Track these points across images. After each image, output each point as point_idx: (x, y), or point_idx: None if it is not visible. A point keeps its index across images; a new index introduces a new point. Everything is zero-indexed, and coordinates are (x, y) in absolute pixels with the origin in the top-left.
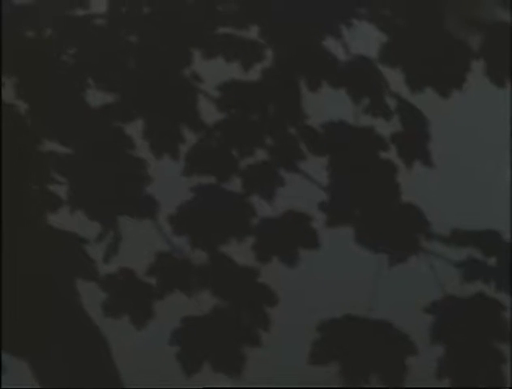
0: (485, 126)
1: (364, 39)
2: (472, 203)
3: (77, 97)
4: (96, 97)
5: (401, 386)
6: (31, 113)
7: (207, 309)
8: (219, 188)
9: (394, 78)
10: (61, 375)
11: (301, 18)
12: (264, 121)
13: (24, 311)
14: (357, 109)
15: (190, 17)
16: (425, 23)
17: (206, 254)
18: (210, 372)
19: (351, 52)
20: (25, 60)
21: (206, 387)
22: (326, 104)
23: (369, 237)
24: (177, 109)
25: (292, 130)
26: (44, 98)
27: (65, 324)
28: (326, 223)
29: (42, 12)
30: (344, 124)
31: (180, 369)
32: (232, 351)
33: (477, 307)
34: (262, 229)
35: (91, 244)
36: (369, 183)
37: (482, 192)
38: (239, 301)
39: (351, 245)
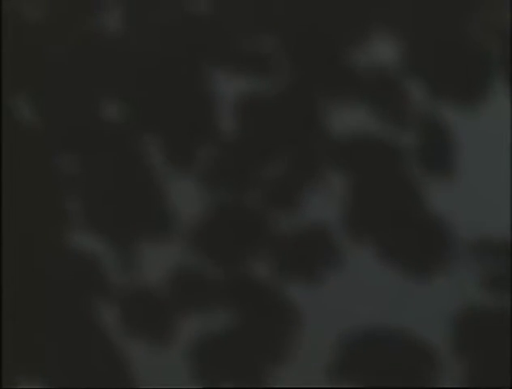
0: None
1: (384, 48)
2: (498, 213)
3: (93, 113)
4: (113, 113)
5: None
6: (46, 130)
7: (226, 326)
8: (238, 203)
9: (416, 87)
10: None
11: (320, 29)
12: (283, 135)
13: (38, 328)
14: (379, 120)
15: (208, 31)
16: (446, 32)
17: (225, 270)
18: None
19: (371, 62)
20: (40, 75)
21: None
22: (347, 116)
23: (393, 252)
24: (195, 124)
25: (313, 143)
26: (59, 114)
27: (80, 341)
28: (348, 238)
29: (58, 27)
30: (365, 136)
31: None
32: (252, 369)
33: (503, 320)
34: (282, 245)
35: (108, 261)
36: (391, 196)
37: (507, 202)
38: (259, 319)
39: (373, 260)
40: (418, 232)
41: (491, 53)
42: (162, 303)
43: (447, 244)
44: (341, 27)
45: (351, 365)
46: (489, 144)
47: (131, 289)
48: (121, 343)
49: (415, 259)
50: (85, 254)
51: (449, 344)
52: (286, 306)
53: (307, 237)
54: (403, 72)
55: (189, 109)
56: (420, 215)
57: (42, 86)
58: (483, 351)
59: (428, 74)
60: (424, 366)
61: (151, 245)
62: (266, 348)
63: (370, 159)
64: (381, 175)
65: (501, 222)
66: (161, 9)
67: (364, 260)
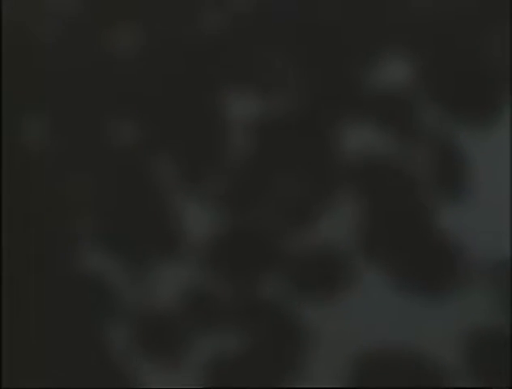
0: None
1: (398, 69)
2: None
3: (105, 134)
4: (125, 134)
5: None
6: (55, 151)
7: (238, 346)
8: (250, 223)
9: (430, 108)
10: None
11: (334, 50)
12: (297, 156)
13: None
14: (392, 141)
15: (222, 52)
16: (460, 53)
17: (237, 291)
18: None
19: (385, 82)
20: (53, 96)
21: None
22: (360, 137)
23: (406, 273)
24: (207, 145)
25: (326, 164)
26: (70, 135)
27: (91, 361)
28: (361, 259)
29: (69, 47)
30: (379, 156)
31: None
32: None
33: None
34: (295, 266)
35: (119, 281)
36: (404, 217)
37: None
38: (271, 339)
39: (386, 281)
40: (431, 253)
41: (506, 74)
42: (173, 323)
43: (460, 266)
44: (355, 48)
45: (363, 386)
46: (503, 166)
47: (142, 310)
48: (131, 363)
49: (428, 281)
50: (97, 274)
51: (461, 365)
52: (298, 327)
53: (319, 257)
54: (417, 93)
55: (202, 130)
56: (433, 236)
57: (55, 107)
58: (495, 372)
59: (441, 96)
60: (435, 387)
61: (163, 265)
62: (278, 368)
63: (383, 180)
64: (395, 196)
65: None
66: (175, 29)
67: (377, 281)
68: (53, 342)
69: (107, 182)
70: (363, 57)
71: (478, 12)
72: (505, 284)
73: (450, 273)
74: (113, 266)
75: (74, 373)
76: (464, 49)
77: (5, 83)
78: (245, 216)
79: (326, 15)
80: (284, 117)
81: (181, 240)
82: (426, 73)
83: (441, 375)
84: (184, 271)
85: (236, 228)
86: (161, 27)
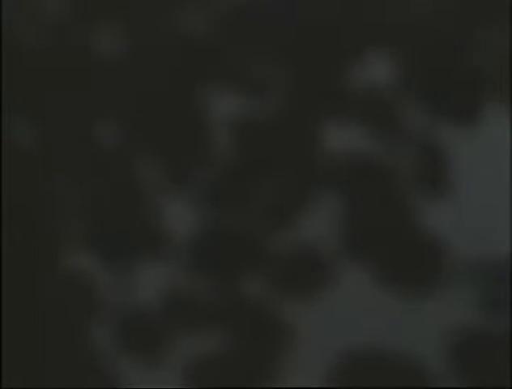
0: (505, 155)
1: (380, 68)
2: (494, 233)
3: (88, 134)
4: (108, 134)
5: None
6: (42, 151)
7: (220, 346)
8: (233, 223)
9: (412, 106)
10: None
11: (316, 49)
12: (279, 156)
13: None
14: (375, 140)
15: (204, 52)
16: (443, 51)
17: (219, 291)
18: None
19: (367, 81)
20: (37, 97)
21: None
22: (342, 136)
23: (388, 272)
24: (190, 145)
25: (308, 163)
26: (55, 135)
27: (73, 361)
28: (343, 258)
29: (54, 49)
30: (361, 155)
31: None
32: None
33: (499, 342)
34: (277, 266)
35: (101, 281)
36: (387, 216)
37: (504, 221)
38: (253, 339)
39: (369, 280)
40: (414, 252)
41: (488, 74)
42: (156, 323)
43: (443, 265)
44: (338, 47)
45: (345, 385)
46: (485, 164)
47: (125, 309)
48: (114, 362)
49: (410, 280)
50: (79, 273)
51: (443, 365)
52: (280, 327)
53: (302, 256)
54: (400, 92)
55: (185, 130)
56: (416, 235)
57: (39, 107)
58: (478, 373)
59: (424, 94)
60: (417, 386)
61: (146, 264)
62: (260, 368)
63: (366, 179)
64: (377, 195)
65: (497, 242)
66: (156, 31)
67: (359, 280)
68: (34, 340)
69: (90, 182)
70: (346, 56)
71: (461, 10)
72: (488, 282)
73: (432, 271)
74: (96, 265)
75: (57, 371)
76: (447, 47)
77: None
78: (227, 216)
79: (309, 15)
80: (267, 117)
81: (163, 239)
82: (409, 72)
83: (423, 373)
84: (166, 271)
85: (218, 227)
86: (144, 27)
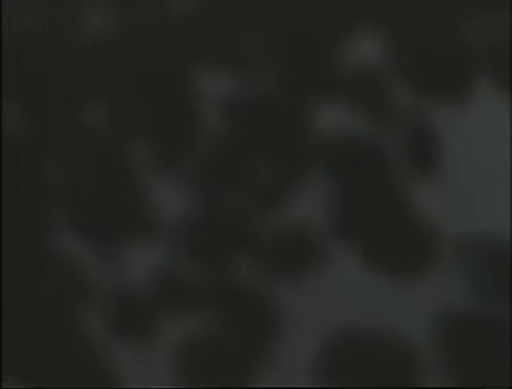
0: (496, 134)
1: (370, 47)
2: (485, 213)
3: (77, 115)
4: (97, 115)
5: None
6: (30, 134)
7: (210, 327)
8: (223, 204)
9: (402, 86)
10: None
11: (305, 28)
12: (268, 136)
13: (22, 331)
14: (364, 119)
15: (193, 32)
16: (432, 31)
17: (209, 272)
18: None
19: (356, 61)
20: (27, 83)
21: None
22: (332, 115)
23: (378, 252)
24: (179, 125)
25: (298, 143)
26: (43, 117)
27: (63, 342)
28: (333, 238)
29: (42, 31)
30: (351, 135)
31: None
32: (236, 370)
33: (486, 325)
34: (267, 247)
35: (91, 262)
36: (376, 197)
37: (494, 201)
38: (242, 320)
39: (358, 261)
40: (404, 233)
41: (478, 53)
42: (146, 305)
43: (433, 246)
44: (326, 26)
45: (334, 366)
46: (476, 143)
47: (114, 290)
48: (104, 343)
49: (400, 261)
50: (68, 255)
51: (431, 346)
52: (270, 307)
53: (291, 238)
54: (389, 71)
55: (174, 110)
56: (406, 215)
57: (28, 89)
58: (465, 354)
59: (413, 74)
60: (406, 368)
61: (135, 246)
62: (249, 349)
63: (356, 159)
64: (367, 176)
65: (488, 223)
66: (145, 11)
67: (348, 261)
68: (24, 324)
69: (79, 164)
70: (335, 36)
71: None
72: (478, 265)
73: (422, 253)
74: (85, 247)
75: (47, 353)
76: (437, 27)
77: None
78: (217, 197)
79: None
80: (257, 97)
81: (153, 221)
82: (399, 51)
83: (412, 355)
84: (156, 253)
85: (208, 209)
86: (133, 7)
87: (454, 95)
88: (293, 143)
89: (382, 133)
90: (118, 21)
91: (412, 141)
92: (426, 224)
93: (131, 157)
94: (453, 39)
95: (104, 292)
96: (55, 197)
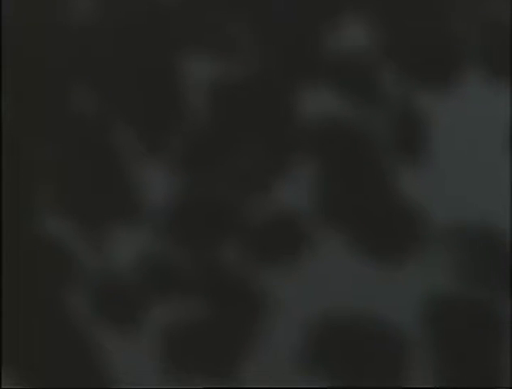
0: (484, 122)
1: (356, 32)
2: (470, 198)
3: (64, 100)
4: (84, 100)
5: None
6: (17, 119)
7: (196, 312)
8: (209, 189)
9: (389, 71)
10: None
11: (292, 13)
12: (254, 121)
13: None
14: (350, 105)
15: (178, 17)
16: (419, 16)
17: (196, 257)
18: (194, 382)
19: (343, 46)
20: (14, 68)
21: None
22: (318, 100)
23: (364, 238)
24: (165, 111)
25: (284, 128)
26: (30, 101)
27: (49, 326)
28: (319, 224)
29: (26, 17)
30: (337, 120)
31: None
32: (223, 356)
33: (472, 309)
34: (253, 232)
35: (77, 246)
36: (362, 182)
37: (480, 187)
38: (229, 305)
39: (345, 246)
40: (390, 218)
41: (466, 39)
42: (132, 290)
43: (419, 231)
44: (312, 10)
45: (321, 351)
46: (463, 129)
47: (100, 275)
48: (90, 328)
49: (386, 246)
50: (54, 240)
51: (418, 330)
52: (257, 294)
53: (278, 223)
54: (376, 56)
55: (160, 95)
56: (393, 200)
57: (15, 74)
58: (451, 338)
59: (400, 59)
60: (393, 352)
61: (122, 231)
62: (236, 334)
63: (342, 144)
64: (354, 161)
65: (473, 208)
66: None
67: (335, 246)
68: (9, 309)
69: (66, 148)
70: (322, 20)
71: None
72: (464, 248)
73: (408, 237)
74: (72, 231)
75: (32, 338)
76: (424, 12)
77: None
78: (203, 182)
79: None
80: (242, 82)
81: (139, 206)
82: (386, 36)
83: (399, 339)
84: (142, 237)
85: (194, 193)
86: None
87: (441, 80)
88: (280, 127)
89: (369, 118)
90: (104, 7)
91: (399, 127)
92: (412, 209)
93: (117, 142)
94: (440, 24)
95: (89, 277)
96: (41, 180)
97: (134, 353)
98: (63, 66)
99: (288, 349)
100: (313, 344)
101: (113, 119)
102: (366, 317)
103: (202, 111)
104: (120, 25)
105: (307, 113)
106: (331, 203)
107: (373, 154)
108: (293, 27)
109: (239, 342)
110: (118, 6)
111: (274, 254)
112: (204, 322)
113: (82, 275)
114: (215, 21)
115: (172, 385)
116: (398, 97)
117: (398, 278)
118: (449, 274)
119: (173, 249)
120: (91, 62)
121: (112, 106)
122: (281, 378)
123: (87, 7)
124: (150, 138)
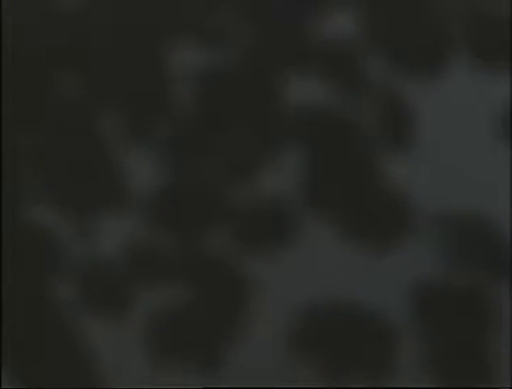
0: (470, 109)
1: (343, 20)
2: (457, 186)
3: (50, 86)
4: (70, 86)
5: (386, 380)
6: (2, 105)
7: (182, 299)
8: (195, 176)
9: (375, 59)
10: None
11: (278, 1)
12: (241, 108)
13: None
14: (337, 93)
15: (165, 4)
16: (406, 4)
17: (182, 244)
18: (181, 368)
19: (329, 34)
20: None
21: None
22: (304, 88)
23: (351, 225)
24: (151, 97)
25: (271, 116)
26: (16, 86)
27: (35, 314)
28: (306, 211)
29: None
30: (323, 108)
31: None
32: (209, 342)
33: (463, 297)
34: (240, 219)
35: (63, 233)
36: (349, 170)
37: (466, 174)
38: (215, 292)
39: (331, 233)
40: (377, 206)
41: (452, 27)
42: (118, 277)
43: (407, 219)
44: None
45: (308, 339)
46: (449, 116)
47: (86, 262)
48: (76, 315)
49: (374, 233)
50: (40, 228)
51: (405, 318)
52: (243, 280)
53: (265, 210)
54: (363, 45)
55: (146, 83)
56: (379, 188)
57: (2, 60)
58: (439, 326)
59: (387, 47)
60: (380, 340)
61: (107, 218)
62: (223, 321)
63: (328, 132)
64: (340, 149)
65: (461, 195)
66: None
67: (321, 234)
68: None
69: (52, 135)
70: (308, 8)
71: None
72: (451, 236)
73: (396, 225)
74: (57, 219)
75: (20, 326)
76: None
77: None
78: (189, 169)
79: None
80: (228, 69)
81: (125, 193)
82: (372, 23)
83: (386, 328)
84: (129, 224)
85: (180, 181)
86: None
87: (428, 67)
88: (266, 114)
89: (356, 105)
90: None
91: (385, 114)
92: (400, 197)
93: (104, 129)
94: (426, 12)
95: (75, 264)
96: (27, 168)
97: (120, 340)
98: (48, 50)
99: (274, 336)
100: (299, 330)
101: (100, 106)
102: (353, 304)
103: (188, 98)
104: (107, 13)
105: (294, 101)
106: (318, 191)
107: (360, 141)
108: (280, 15)
109: (225, 328)
110: None
111: (260, 241)
112: (191, 309)
113: (68, 263)
114: (201, 9)
115: (159, 371)
116: (385, 85)
117: (385, 265)
118: (436, 261)
119: (160, 235)
120: (77, 50)
121: (98, 93)
122: (267, 364)
123: None
124: (136, 126)
